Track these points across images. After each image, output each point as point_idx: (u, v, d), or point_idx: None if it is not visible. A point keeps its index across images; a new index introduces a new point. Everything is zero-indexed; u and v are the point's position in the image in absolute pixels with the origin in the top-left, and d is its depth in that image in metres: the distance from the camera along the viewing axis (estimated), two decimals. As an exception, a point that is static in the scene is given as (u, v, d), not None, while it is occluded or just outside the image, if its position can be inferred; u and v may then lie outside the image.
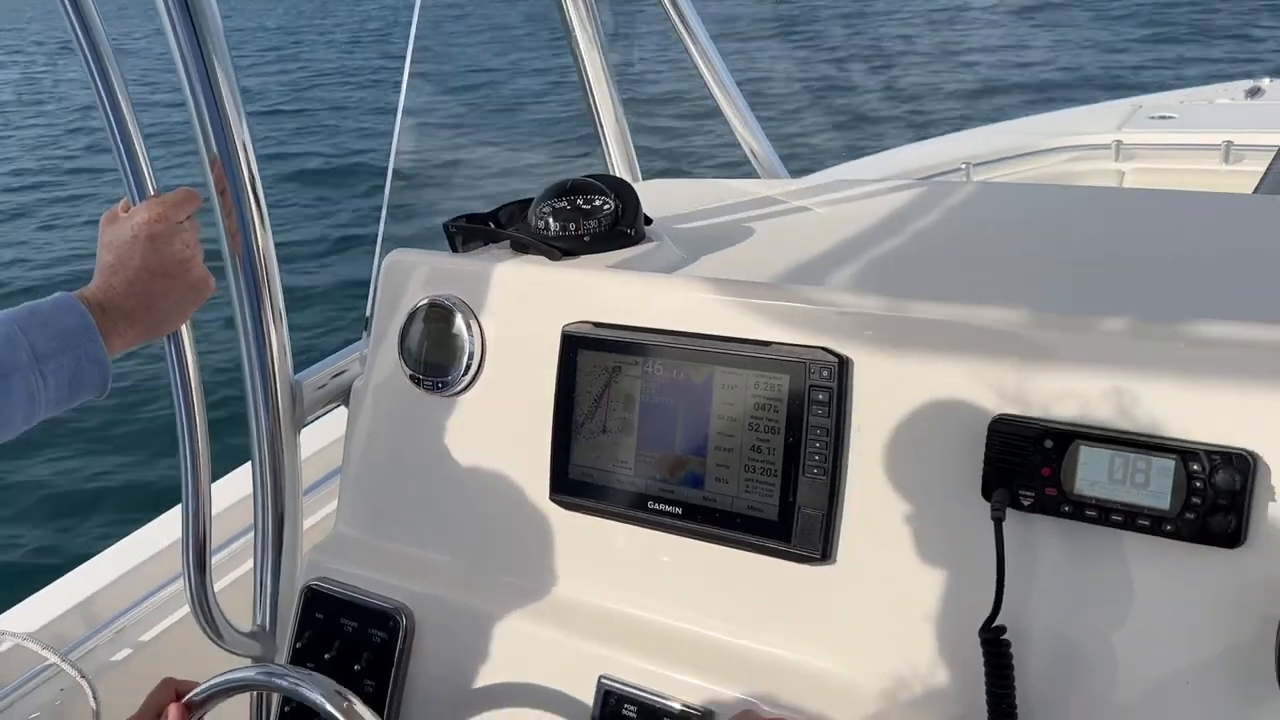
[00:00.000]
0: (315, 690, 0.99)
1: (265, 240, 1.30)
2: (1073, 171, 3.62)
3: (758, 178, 1.90)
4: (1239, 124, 3.69)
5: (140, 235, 1.13)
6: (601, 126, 1.84)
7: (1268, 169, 2.59)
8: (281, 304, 1.34)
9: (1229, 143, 3.47)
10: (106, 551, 1.85)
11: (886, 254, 1.24)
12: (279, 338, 1.33)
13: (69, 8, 1.11)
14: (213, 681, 1.05)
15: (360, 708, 0.98)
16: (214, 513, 1.53)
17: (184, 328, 1.27)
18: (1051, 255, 1.25)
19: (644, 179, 1.88)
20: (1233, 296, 1.06)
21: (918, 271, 1.19)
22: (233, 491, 1.81)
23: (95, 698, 1.62)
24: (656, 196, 1.50)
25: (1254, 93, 4.28)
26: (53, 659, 1.64)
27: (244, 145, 1.25)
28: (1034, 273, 1.19)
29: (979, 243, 1.31)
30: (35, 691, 1.63)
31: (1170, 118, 3.93)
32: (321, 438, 1.93)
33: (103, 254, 1.15)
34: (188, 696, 1.06)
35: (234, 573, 1.73)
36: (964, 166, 3.50)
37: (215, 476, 1.88)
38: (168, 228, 1.14)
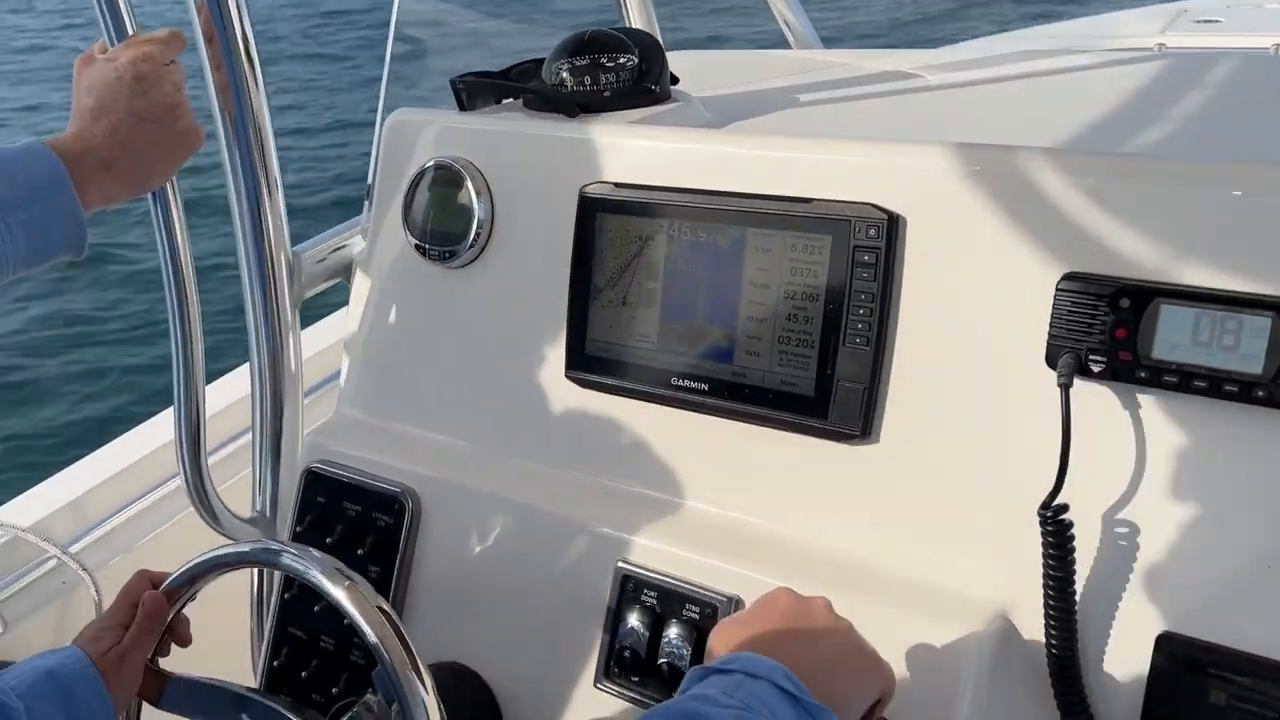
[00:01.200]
0: (312, 566, 0.91)
1: (259, 99, 1.20)
2: None
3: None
4: None
5: (125, 76, 1.03)
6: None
7: None
8: (276, 170, 1.24)
9: (1279, 45, 3.28)
10: (103, 448, 1.79)
11: (935, 110, 1.13)
12: (275, 206, 1.24)
13: None
14: (193, 563, 0.97)
15: (363, 585, 0.90)
16: (222, 407, 1.45)
17: (170, 190, 1.18)
18: (1116, 106, 1.13)
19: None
20: None
21: (969, 124, 1.07)
22: (240, 388, 1.73)
23: (97, 589, 1.58)
24: (684, 65, 1.38)
25: None
26: (53, 551, 1.59)
27: None
28: (1103, 122, 1.07)
29: (1033, 97, 1.19)
30: (37, 583, 1.59)
31: (1216, 21, 3.74)
32: (327, 336, 1.85)
33: (81, 98, 1.05)
34: (164, 584, 0.98)
35: (243, 471, 1.67)
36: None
37: (220, 369, 1.81)
38: (155, 68, 1.04)
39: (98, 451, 1.79)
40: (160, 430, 1.79)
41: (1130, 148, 0.92)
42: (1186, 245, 0.82)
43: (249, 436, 1.65)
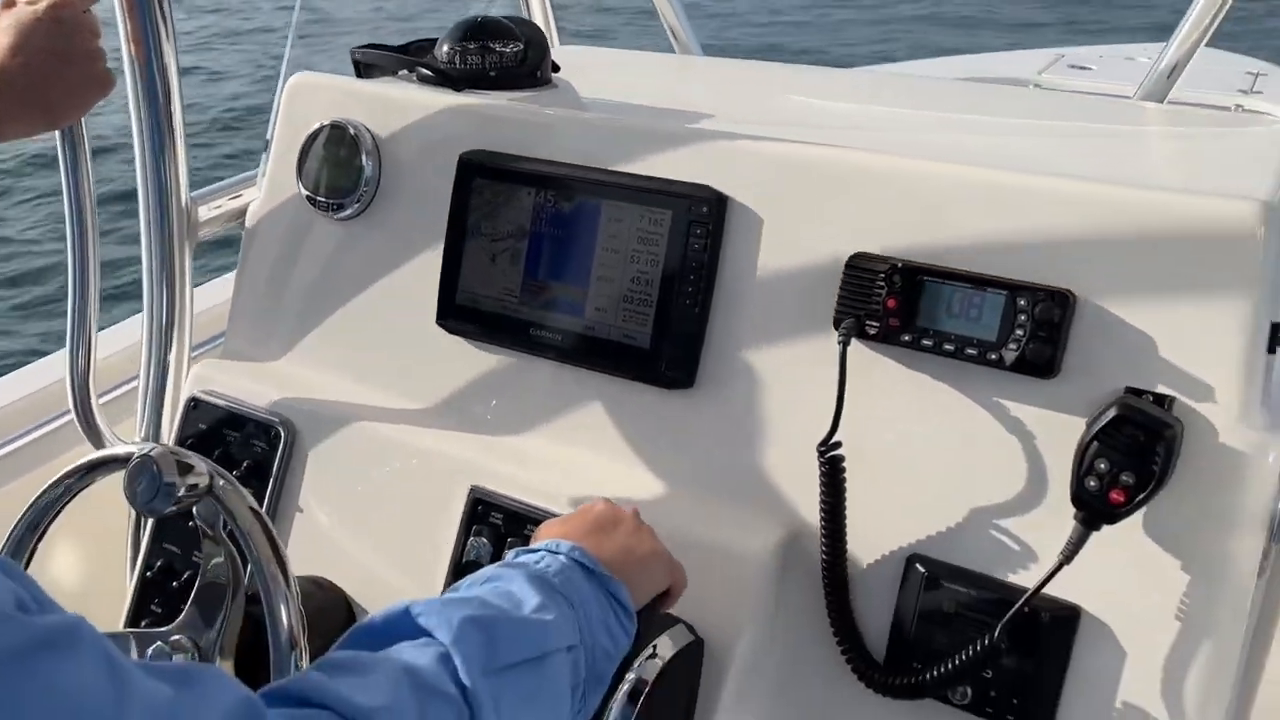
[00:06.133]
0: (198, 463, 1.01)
1: (169, 50, 1.29)
2: None
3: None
4: None
5: (44, 19, 1.12)
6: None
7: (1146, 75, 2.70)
8: (180, 119, 1.33)
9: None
10: None
11: (773, 110, 1.30)
12: (176, 153, 1.33)
13: None
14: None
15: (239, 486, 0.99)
16: (114, 351, 1.52)
17: (78, 131, 1.26)
18: (915, 118, 1.32)
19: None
20: (1069, 160, 1.15)
21: (799, 123, 1.25)
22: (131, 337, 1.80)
23: None
24: (571, 58, 1.52)
25: None
26: None
27: None
28: (898, 129, 1.26)
29: (856, 102, 1.37)
30: None
31: (1088, 69, 4.07)
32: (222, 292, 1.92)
33: None
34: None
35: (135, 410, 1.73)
36: None
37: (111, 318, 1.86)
38: (73, 14, 1.13)
39: None
40: (48, 371, 1.84)
41: (927, 153, 1.10)
42: (950, 236, 1.00)
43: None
